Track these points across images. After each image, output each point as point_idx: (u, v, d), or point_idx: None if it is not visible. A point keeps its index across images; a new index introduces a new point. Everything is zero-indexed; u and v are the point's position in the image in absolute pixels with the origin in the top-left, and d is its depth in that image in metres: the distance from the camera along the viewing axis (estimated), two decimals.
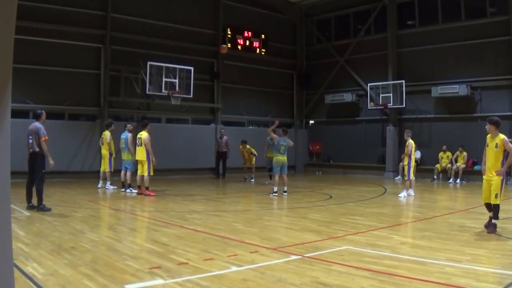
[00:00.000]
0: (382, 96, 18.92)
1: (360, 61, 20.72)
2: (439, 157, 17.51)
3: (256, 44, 21.10)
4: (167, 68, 16.63)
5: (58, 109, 15.85)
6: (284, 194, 12.16)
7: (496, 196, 6.95)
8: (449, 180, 16.95)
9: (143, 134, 11.95)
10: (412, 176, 12.08)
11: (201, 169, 18.73)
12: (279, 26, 22.29)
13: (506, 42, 16.16)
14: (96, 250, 5.68)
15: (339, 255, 5.55)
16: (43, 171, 8.79)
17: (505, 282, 4.44)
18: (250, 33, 20.88)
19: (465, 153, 16.74)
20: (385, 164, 19.37)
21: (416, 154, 15.01)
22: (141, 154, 11.90)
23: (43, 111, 9.20)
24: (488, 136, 7.25)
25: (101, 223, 8.26)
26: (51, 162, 8.79)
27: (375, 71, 19.83)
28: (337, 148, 21.53)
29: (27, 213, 8.39)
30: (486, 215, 7.31)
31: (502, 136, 7.07)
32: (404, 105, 18.47)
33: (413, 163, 12.11)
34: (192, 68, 17.32)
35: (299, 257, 5.46)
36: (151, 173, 11.94)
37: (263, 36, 21.29)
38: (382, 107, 18.95)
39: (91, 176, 15.35)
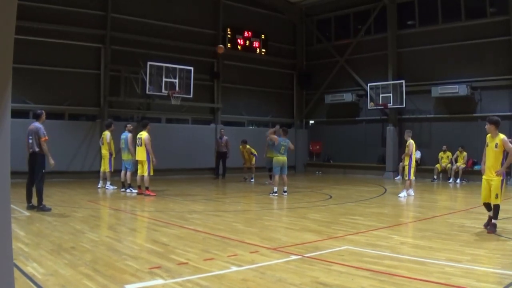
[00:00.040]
0: (382, 96, 18.93)
1: (360, 61, 20.72)
2: (439, 157, 17.51)
3: (256, 44, 21.10)
4: (167, 68, 16.63)
5: (58, 109, 15.85)
6: (284, 194, 12.16)
7: (496, 196, 6.95)
8: (449, 180, 16.95)
9: (143, 134, 11.95)
10: (412, 176, 12.08)
11: (201, 169, 18.72)
12: (279, 26, 22.29)
13: (506, 42, 16.17)
14: (96, 250, 5.68)
15: (339, 255, 5.55)
16: (43, 171, 8.79)
17: (505, 282, 4.44)
18: (250, 33, 20.88)
19: (465, 153, 16.74)
20: (385, 164, 19.37)
21: (416, 154, 14.98)
22: (141, 154, 11.90)
23: (43, 111, 9.21)
24: (488, 136, 7.25)
25: (101, 223, 8.26)
26: (52, 161, 8.79)
27: (375, 71, 19.83)
28: (337, 148, 21.53)
29: (27, 213, 8.39)
30: (486, 215, 7.32)
31: (502, 136, 7.07)
32: (404, 105, 18.47)
33: (413, 163, 12.11)
34: (192, 68, 17.32)
35: (299, 257, 5.46)
36: (151, 173, 11.93)
37: (263, 36, 21.30)
38: (382, 107, 18.95)
39: (91, 176, 15.35)
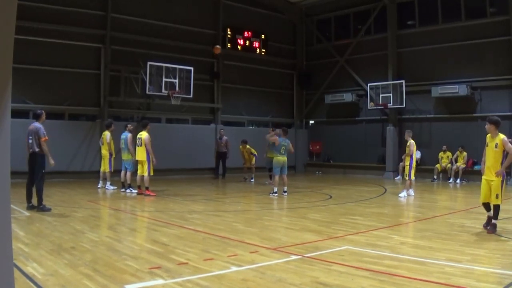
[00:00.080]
0: (382, 96, 18.93)
1: (360, 61, 20.72)
2: (439, 157, 17.51)
3: (256, 44, 21.10)
4: (167, 68, 16.63)
5: (58, 109, 15.86)
6: (284, 194, 12.16)
7: (497, 197, 6.95)
8: (449, 180, 16.95)
9: (143, 134, 11.95)
10: (412, 176, 12.07)
11: (201, 169, 18.72)
12: (279, 26, 22.29)
13: (506, 42, 16.17)
14: (96, 250, 5.68)
15: (339, 255, 5.55)
16: (43, 171, 8.80)
17: (505, 282, 4.44)
18: (250, 33, 20.89)
19: (465, 153, 16.74)
20: (385, 164, 19.37)
21: (416, 154, 14.99)
22: (141, 154, 11.90)
23: (43, 111, 9.21)
24: (488, 136, 7.24)
25: (101, 223, 8.26)
26: (52, 162, 8.79)
27: (375, 71, 19.84)
28: (337, 148, 21.53)
29: (27, 213, 8.39)
30: (486, 215, 7.31)
31: (502, 136, 7.05)
32: (404, 105, 18.47)
33: (414, 163, 12.10)
34: (192, 68, 17.32)
35: (299, 257, 5.46)
36: (151, 173, 11.93)
37: (263, 36, 21.30)
38: (382, 107, 18.95)
39: (91, 176, 15.35)
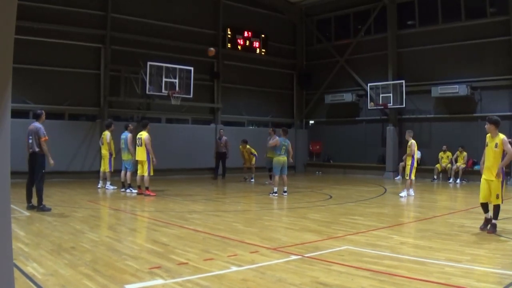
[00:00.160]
0: (382, 96, 18.93)
1: (360, 61, 20.72)
2: (439, 157, 17.51)
3: (256, 44, 21.11)
4: (167, 68, 16.63)
5: (58, 109, 15.86)
6: (284, 194, 12.16)
7: (497, 197, 6.94)
8: (449, 180, 16.95)
9: (143, 134, 11.94)
10: (412, 176, 12.07)
11: (201, 169, 18.71)
12: (279, 26, 22.29)
13: (506, 42, 16.17)
14: (96, 250, 5.68)
15: (339, 255, 5.55)
16: (43, 171, 8.80)
17: (505, 282, 4.44)
18: (250, 33, 20.89)
19: (465, 153, 16.74)
20: (385, 164, 19.37)
21: (417, 154, 15.00)
22: (141, 154, 11.89)
23: (43, 111, 9.21)
24: (488, 135, 7.22)
25: (101, 223, 8.26)
26: (51, 161, 8.80)
27: (375, 71, 19.84)
28: (337, 148, 21.53)
29: (27, 213, 8.39)
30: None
31: (502, 136, 7.03)
32: (404, 105, 18.47)
33: (415, 163, 12.10)
34: (192, 68, 17.32)
35: (299, 257, 5.46)
36: (151, 173, 11.93)
37: (263, 36, 21.31)
38: (382, 107, 18.96)
39: (91, 176, 15.35)
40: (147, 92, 16.48)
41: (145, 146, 11.78)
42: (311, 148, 22.74)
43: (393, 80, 18.93)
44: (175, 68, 16.84)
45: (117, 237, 6.62)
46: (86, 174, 15.82)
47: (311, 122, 23.27)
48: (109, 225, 8.05)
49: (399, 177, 17.66)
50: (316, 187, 15.30)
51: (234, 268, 4.91)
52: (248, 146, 16.85)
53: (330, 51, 21.73)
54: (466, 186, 15.74)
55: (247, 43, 20.82)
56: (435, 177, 17.42)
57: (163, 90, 16.57)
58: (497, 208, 6.99)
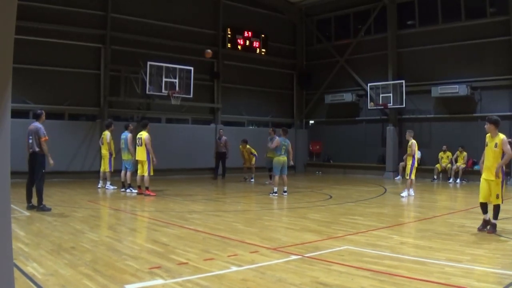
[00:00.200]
0: (382, 96, 18.93)
1: (360, 61, 20.72)
2: (439, 157, 17.51)
3: (256, 44, 21.11)
4: (167, 68, 16.63)
5: (58, 109, 15.86)
6: (284, 194, 12.15)
7: (497, 197, 6.94)
8: (449, 180, 16.95)
9: (143, 134, 11.95)
10: (413, 176, 12.07)
11: (201, 169, 18.71)
12: (279, 26, 22.29)
13: (506, 42, 16.17)
14: (96, 250, 5.68)
15: (339, 255, 5.55)
16: (43, 171, 8.80)
17: (505, 282, 4.44)
18: (250, 33, 20.89)
19: (465, 153, 16.74)
20: (385, 164, 19.36)
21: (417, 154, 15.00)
22: (141, 154, 11.90)
23: (43, 111, 9.22)
24: (488, 135, 7.21)
25: (101, 223, 8.26)
26: (51, 161, 8.80)
27: (375, 71, 19.84)
28: (337, 148, 21.53)
29: (27, 213, 8.39)
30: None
31: (502, 136, 7.03)
32: (404, 105, 18.47)
33: (416, 163, 12.10)
34: (192, 68, 17.32)
35: (299, 257, 5.46)
36: (151, 173, 11.94)
37: (263, 36, 21.30)
38: (382, 107, 18.96)
39: (91, 176, 15.35)
40: (147, 92, 16.48)
41: (145, 146, 11.79)
42: (311, 148, 22.74)
43: (393, 80, 18.93)
44: (175, 68, 16.84)
45: (117, 237, 6.62)
46: (86, 174, 15.82)
47: (311, 122, 23.27)
48: (109, 225, 8.05)
49: (399, 177, 17.66)
50: (316, 187, 15.30)
51: (234, 268, 4.91)
52: (248, 146, 16.85)
53: (330, 51, 21.73)
54: (466, 186, 15.74)
55: (247, 43, 20.82)
56: (435, 177, 17.42)
57: (163, 90, 16.57)
58: (497, 208, 6.99)
